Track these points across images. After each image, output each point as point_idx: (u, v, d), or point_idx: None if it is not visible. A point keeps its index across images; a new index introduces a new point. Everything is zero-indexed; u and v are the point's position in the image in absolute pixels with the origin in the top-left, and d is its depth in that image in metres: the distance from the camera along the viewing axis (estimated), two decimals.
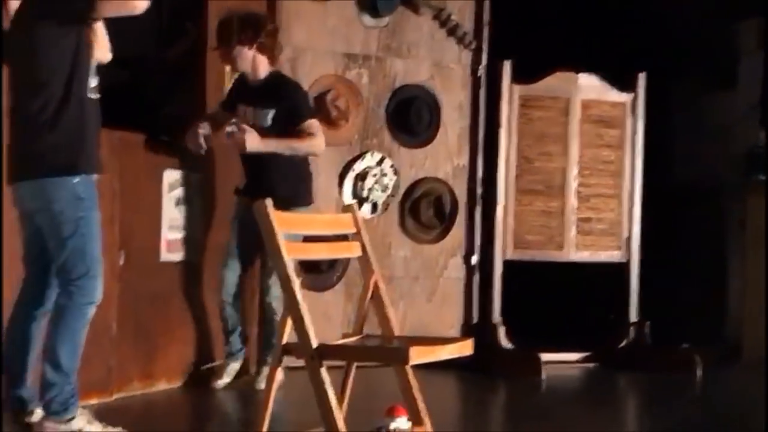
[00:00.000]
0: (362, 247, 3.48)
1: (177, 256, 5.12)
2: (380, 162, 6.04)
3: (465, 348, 3.27)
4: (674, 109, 7.61)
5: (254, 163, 4.94)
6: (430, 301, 6.21)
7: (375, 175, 6.00)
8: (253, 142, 4.82)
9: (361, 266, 3.53)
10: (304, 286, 5.52)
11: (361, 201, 5.99)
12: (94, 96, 3.73)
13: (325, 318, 5.67)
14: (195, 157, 5.04)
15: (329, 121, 5.83)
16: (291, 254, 3.19)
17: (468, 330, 6.14)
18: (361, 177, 5.98)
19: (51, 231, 3.66)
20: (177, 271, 5.13)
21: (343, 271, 5.92)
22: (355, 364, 3.37)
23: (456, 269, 6.25)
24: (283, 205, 4.60)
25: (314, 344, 3.07)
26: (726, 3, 7.20)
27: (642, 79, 6.32)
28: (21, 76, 3.67)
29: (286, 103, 4.95)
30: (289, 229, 3.27)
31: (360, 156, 6.00)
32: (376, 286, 3.46)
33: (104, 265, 4.52)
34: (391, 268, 6.09)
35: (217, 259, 5.22)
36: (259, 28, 4.94)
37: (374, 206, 6.04)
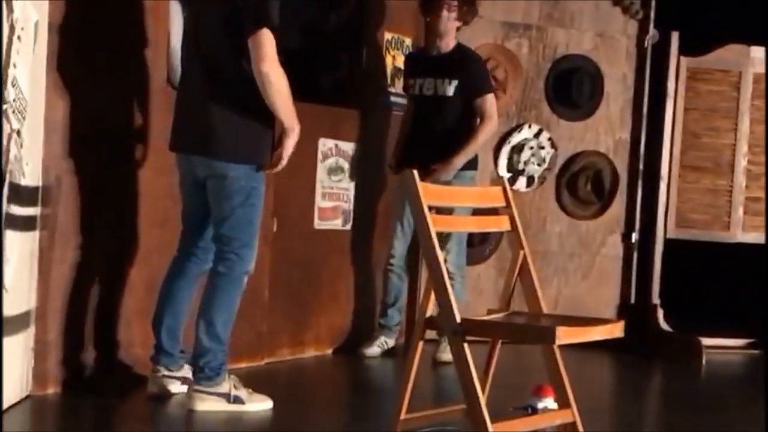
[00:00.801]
0: (511, 221, 3.38)
1: (330, 224, 5.14)
2: (538, 134, 5.89)
3: (616, 330, 3.13)
4: None
5: (422, 131, 4.90)
6: (586, 278, 6.04)
7: (532, 148, 5.86)
8: (449, 172, 4.89)
9: (509, 241, 3.43)
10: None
11: (517, 174, 5.87)
12: None
13: (475, 292, 5.59)
14: (351, 126, 5.03)
15: None
16: (437, 226, 3.12)
17: (625, 310, 5.95)
18: (518, 149, 5.86)
19: (220, 198, 3.70)
20: (330, 239, 5.15)
21: (495, 245, 5.82)
22: (500, 341, 3.28)
23: (614, 247, 6.05)
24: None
25: (458, 319, 2.99)
26: None
27: None
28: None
29: (469, 75, 4.98)
30: (437, 201, 3.20)
31: (517, 128, 5.88)
32: (524, 262, 3.35)
33: (258, 233, 4.63)
34: (545, 243, 5.96)
35: (370, 229, 5.21)
36: (476, 10, 5.09)
37: (530, 180, 5.91)
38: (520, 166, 5.86)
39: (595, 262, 6.05)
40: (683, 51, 5.92)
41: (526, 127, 5.89)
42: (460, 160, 4.94)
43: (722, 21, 6.02)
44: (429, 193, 3.13)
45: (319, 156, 5.08)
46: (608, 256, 6.06)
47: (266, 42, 3.56)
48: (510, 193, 3.41)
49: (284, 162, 3.75)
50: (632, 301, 6.00)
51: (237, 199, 3.68)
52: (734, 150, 5.95)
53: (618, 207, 6.04)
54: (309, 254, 5.05)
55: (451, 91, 4.96)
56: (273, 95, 3.59)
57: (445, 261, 4.83)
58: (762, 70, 5.95)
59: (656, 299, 5.90)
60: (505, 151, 5.86)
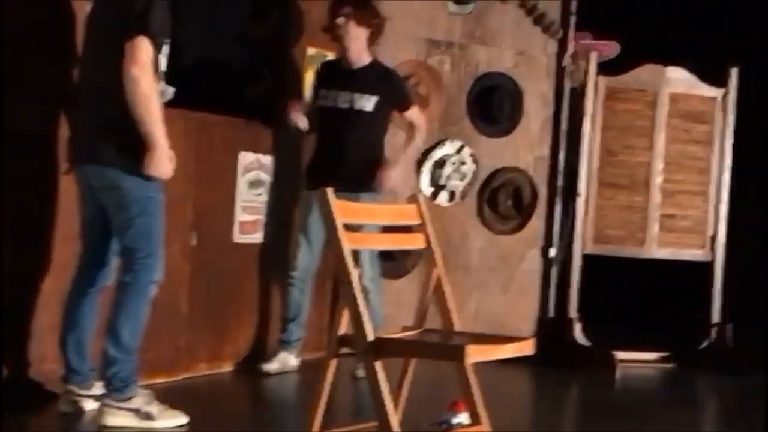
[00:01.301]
0: (426, 239, 3.42)
1: (251, 238, 5.13)
2: (459, 150, 5.96)
3: (526, 347, 3.18)
4: None
5: (334, 145, 4.92)
6: (505, 292, 6.12)
7: (454, 163, 5.93)
8: (396, 178, 5.00)
9: (424, 258, 3.47)
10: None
11: (439, 189, 5.93)
12: None
13: (396, 306, 5.62)
14: (271, 139, 5.03)
15: None
16: (352, 244, 3.15)
17: (543, 324, 6.04)
18: (440, 165, 5.92)
19: (118, 210, 3.69)
20: (250, 253, 5.14)
21: (417, 259, 5.86)
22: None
23: (533, 261, 6.15)
24: (358, 188, 4.80)
25: (370, 338, 3.02)
26: None
27: (734, 74, 6.11)
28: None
29: (394, 90, 5.00)
30: (351, 219, 3.22)
31: (439, 143, 5.93)
32: (439, 280, 3.39)
33: (176, 246, 4.60)
34: (466, 257, 6.03)
35: (288, 243, 5.21)
36: (376, 12, 4.99)
37: (452, 195, 5.97)
38: (442, 181, 5.92)
39: (514, 276, 6.13)
40: (601, 70, 6.04)
41: (448, 142, 5.95)
42: (401, 167, 5.03)
43: (639, 41, 6.14)
44: (343, 210, 3.15)
45: (240, 169, 5.08)
46: (528, 270, 6.14)
47: (142, 49, 3.55)
48: (425, 211, 3.45)
49: (162, 175, 3.69)
50: (551, 315, 6.09)
51: (134, 209, 3.67)
52: (649, 168, 6.08)
53: (537, 222, 6.14)
54: (229, 268, 5.03)
55: (370, 106, 4.95)
56: (139, 101, 3.55)
57: (360, 276, 4.93)
58: (677, 89, 6.09)
59: (574, 313, 5.99)
60: (428, 166, 5.92)
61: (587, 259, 6.09)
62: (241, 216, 5.09)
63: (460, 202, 6.00)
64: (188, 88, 4.23)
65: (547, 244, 6.13)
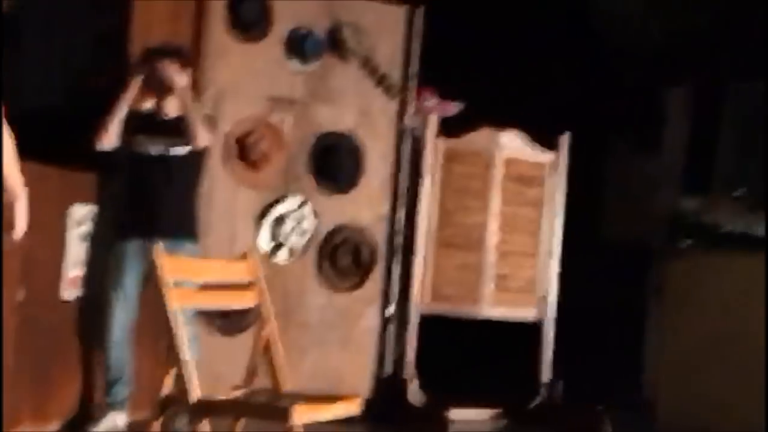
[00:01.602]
0: (258, 296, 3.41)
1: (80, 293, 4.99)
2: (300, 207, 5.97)
3: (352, 407, 3.20)
4: (602, 169, 7.68)
5: (147, 196, 4.86)
6: (344, 350, 6.13)
7: (294, 220, 5.93)
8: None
9: (255, 317, 3.45)
10: (215, 329, 5.57)
11: (279, 245, 5.92)
12: None
13: (231, 364, 5.54)
14: (102, 193, 4.93)
15: (250, 164, 5.80)
16: (180, 302, 3.11)
17: (380, 383, 6.07)
18: (280, 221, 5.91)
19: None
20: (79, 308, 4.99)
21: (254, 318, 5.80)
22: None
23: (372, 319, 6.18)
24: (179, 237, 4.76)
25: (194, 399, 2.98)
26: (654, 70, 7.31)
27: (565, 139, 6.35)
28: None
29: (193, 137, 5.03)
30: (181, 277, 3.19)
31: (280, 200, 5.93)
32: (270, 338, 3.38)
33: (4, 300, 4.43)
34: (305, 315, 6.01)
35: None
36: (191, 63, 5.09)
37: (292, 251, 5.97)
38: (282, 238, 5.91)
39: (353, 334, 6.15)
40: (440, 132, 6.18)
41: (289, 199, 5.96)
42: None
43: (478, 106, 6.33)
44: (175, 267, 3.12)
45: (71, 223, 4.95)
46: (366, 328, 6.18)
47: None
48: (258, 268, 3.44)
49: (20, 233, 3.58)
50: (387, 374, 6.13)
51: None
52: (484, 228, 6.22)
53: (376, 280, 6.19)
54: (56, 324, 4.89)
55: (185, 151, 4.97)
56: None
57: None
58: (511, 153, 6.28)
59: (409, 372, 6.05)
60: (267, 222, 5.90)
61: (426, 318, 6.18)
62: (71, 271, 4.95)
63: (299, 259, 6.00)
64: (19, 137, 4.11)
65: (386, 302, 6.19)
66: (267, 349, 3.35)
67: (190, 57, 5.27)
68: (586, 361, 6.72)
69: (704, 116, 7.08)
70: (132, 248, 4.84)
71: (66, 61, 5.23)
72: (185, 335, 3.02)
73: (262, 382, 3.48)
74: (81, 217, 4.99)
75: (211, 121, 5.32)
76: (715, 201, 7.07)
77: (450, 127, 6.24)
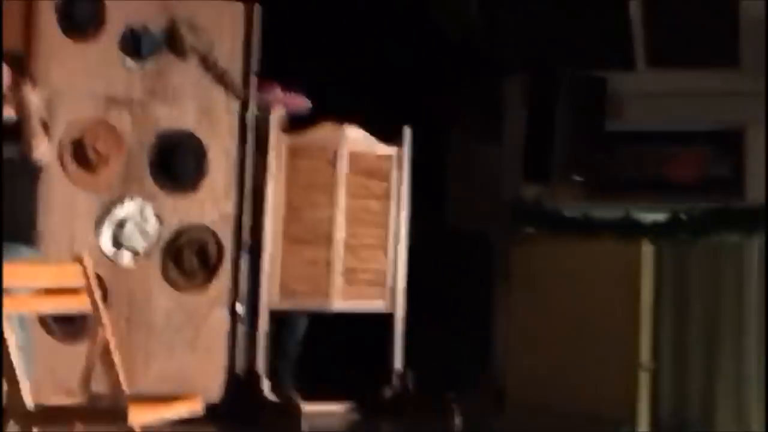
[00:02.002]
0: (91, 300, 3.33)
1: None
2: (141, 208, 5.86)
3: (195, 406, 3.16)
4: (446, 159, 7.81)
5: None
6: (193, 351, 6.05)
7: (136, 222, 5.82)
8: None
9: (90, 321, 3.37)
10: (53, 336, 5.42)
11: (122, 248, 5.80)
12: None
13: (75, 371, 5.41)
14: None
15: (87, 165, 5.67)
16: (7, 309, 3.01)
17: (231, 381, 6.01)
18: (121, 224, 5.79)
19: None
20: None
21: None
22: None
23: (221, 319, 6.12)
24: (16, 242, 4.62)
25: (25, 407, 2.89)
26: (493, 60, 7.47)
27: (407, 132, 6.42)
28: None
29: None
30: (10, 282, 3.08)
31: (120, 201, 5.81)
32: (105, 342, 3.31)
33: None
34: (151, 317, 5.91)
35: None
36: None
37: (135, 254, 5.85)
38: (124, 241, 5.80)
39: (201, 334, 6.07)
40: (284, 128, 6.17)
41: (129, 200, 5.84)
42: None
43: (320, 101, 6.34)
44: (3, 273, 3.01)
45: None
46: (215, 328, 6.11)
47: None
48: (91, 271, 3.36)
49: None
50: (239, 372, 6.08)
51: None
52: (331, 223, 6.24)
53: (224, 279, 6.13)
54: None
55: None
56: None
57: None
58: (355, 148, 6.31)
59: (261, 369, 6.02)
60: (108, 225, 5.77)
61: (276, 314, 6.16)
62: None
63: (143, 261, 5.89)
64: None
65: (234, 300, 6.14)
66: (104, 353, 3.27)
67: (23, 60, 5.11)
68: (436, 350, 6.84)
69: (541, 105, 7.28)
70: None
71: None
72: (14, 342, 2.93)
73: (102, 388, 3.41)
74: None
75: (46, 127, 5.15)
76: (555, 188, 7.29)
77: (293, 123, 6.24)
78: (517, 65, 7.42)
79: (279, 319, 6.25)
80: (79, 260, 3.34)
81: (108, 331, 3.32)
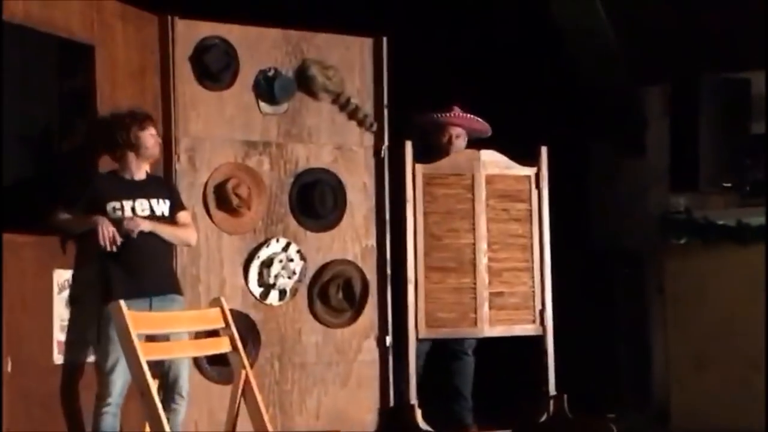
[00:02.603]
0: (231, 341, 3.39)
1: (65, 358, 4.97)
2: (286, 248, 5.96)
3: None
4: (587, 176, 7.67)
5: (134, 256, 4.88)
6: (345, 386, 6.10)
7: (281, 261, 5.92)
8: (146, 224, 4.95)
9: (231, 361, 3.43)
10: (210, 378, 5.56)
11: (269, 288, 5.91)
12: None
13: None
14: (83, 256, 4.93)
15: (231, 210, 5.81)
16: (152, 354, 3.10)
17: (385, 414, 6.03)
18: (267, 264, 5.90)
19: None
20: (64, 373, 4.97)
21: (252, 362, 5.77)
22: None
23: (370, 352, 6.15)
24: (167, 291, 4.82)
25: None
26: (631, 69, 7.31)
27: (544, 152, 6.33)
28: None
29: (173, 195, 5.17)
30: (149, 329, 3.18)
31: (265, 243, 5.93)
32: (247, 382, 3.36)
33: None
34: (303, 355, 5.99)
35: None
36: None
37: (282, 293, 5.95)
38: (271, 281, 5.90)
39: (353, 368, 6.12)
40: (418, 158, 6.19)
41: (273, 241, 5.95)
42: (158, 227, 5.05)
43: None
44: (140, 322, 3.11)
45: (56, 288, 4.95)
46: (365, 361, 6.14)
47: None
48: (228, 314, 3.43)
49: None
50: (392, 403, 6.09)
51: None
52: (474, 248, 6.19)
53: (371, 312, 6.16)
54: (50, 390, 4.87)
55: (167, 211, 5.09)
56: None
57: (175, 386, 4.84)
58: (492, 171, 6.25)
59: (413, 400, 6.01)
60: (255, 266, 5.89)
61: (433, 350, 6.16)
62: (59, 336, 4.95)
63: (291, 299, 5.98)
64: None
65: (382, 333, 6.16)
66: (246, 392, 3.33)
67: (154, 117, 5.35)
68: (591, 372, 6.68)
69: (684, 112, 7.07)
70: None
71: (33, 124, 5.25)
72: (154, 389, 3.01)
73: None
74: (64, 282, 4.99)
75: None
76: (704, 196, 7.05)
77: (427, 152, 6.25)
78: (656, 73, 7.23)
79: (447, 358, 6.26)
80: (217, 304, 3.42)
81: (250, 372, 3.37)
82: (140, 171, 5.11)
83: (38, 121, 5.30)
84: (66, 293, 4.99)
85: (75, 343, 4.97)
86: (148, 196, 5.05)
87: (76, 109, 5.35)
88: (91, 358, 4.98)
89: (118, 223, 4.93)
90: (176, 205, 5.18)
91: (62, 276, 4.98)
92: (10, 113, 5.05)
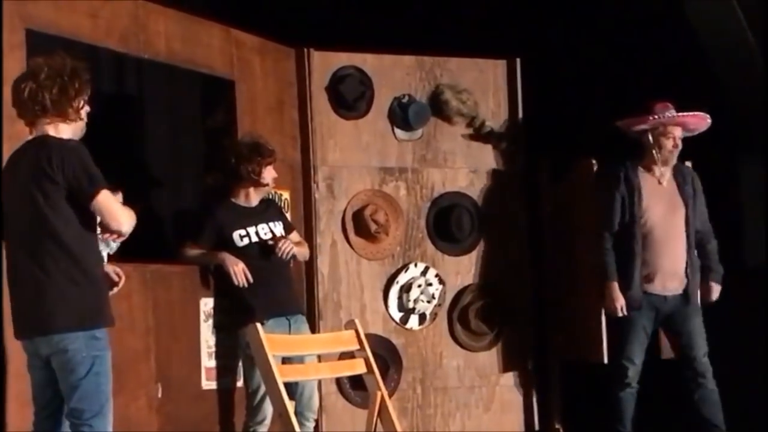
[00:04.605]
0: (366, 363, 3.43)
1: (218, 384, 5.12)
2: (424, 272, 5.99)
3: None
4: (740, 191, 7.39)
5: (267, 278, 5.00)
6: (488, 410, 6.07)
7: (420, 286, 5.95)
8: (294, 248, 5.16)
9: (367, 383, 3.47)
10: (353, 402, 5.61)
11: (409, 313, 5.94)
12: None
13: None
14: (222, 284, 5.07)
15: (369, 236, 5.88)
16: (289, 376, 3.17)
17: None
18: (406, 289, 5.94)
19: (65, 373, 3.69)
20: (218, 399, 5.12)
21: (395, 386, 5.83)
22: None
23: (513, 375, 6.11)
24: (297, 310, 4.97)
25: None
26: None
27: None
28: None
29: (283, 216, 5.34)
30: (286, 351, 3.25)
31: (404, 267, 5.97)
32: (383, 402, 3.39)
33: (142, 400, 4.61)
34: (444, 379, 6.00)
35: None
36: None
37: (422, 317, 5.98)
38: (411, 305, 5.93)
39: (495, 392, 6.08)
40: (555, 175, 6.12)
41: (412, 265, 5.99)
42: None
43: (585, 143, 6.23)
44: (277, 344, 3.18)
45: (202, 316, 5.11)
46: (507, 385, 6.10)
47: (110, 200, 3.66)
48: (362, 335, 3.47)
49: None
50: (536, 428, 6.02)
51: (81, 370, 3.68)
52: None
53: (512, 335, 6.11)
54: (199, 416, 5.01)
55: (283, 231, 5.22)
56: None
57: (308, 405, 4.91)
58: None
59: (558, 424, 5.93)
60: (394, 291, 5.94)
61: (567, 365, 6.06)
62: (207, 362, 5.09)
63: (431, 323, 6.00)
64: (141, 239, 4.29)
65: (525, 356, 6.11)
66: (381, 413, 3.36)
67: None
68: (740, 398, 6.41)
69: None
70: (268, 330, 4.95)
71: (180, 159, 5.44)
72: (291, 410, 3.07)
73: None
74: (210, 310, 5.14)
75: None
76: None
77: (562, 168, 6.17)
78: None
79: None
80: (352, 326, 3.46)
81: (385, 393, 3.40)
82: (256, 199, 5.22)
83: (185, 155, 5.49)
84: (211, 321, 5.14)
85: (224, 369, 5.12)
86: (266, 221, 5.18)
87: (218, 143, 5.51)
88: (240, 383, 5.13)
89: (245, 251, 5.05)
90: (288, 226, 5.31)
91: (208, 304, 5.14)
92: (159, 148, 5.27)
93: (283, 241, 5.12)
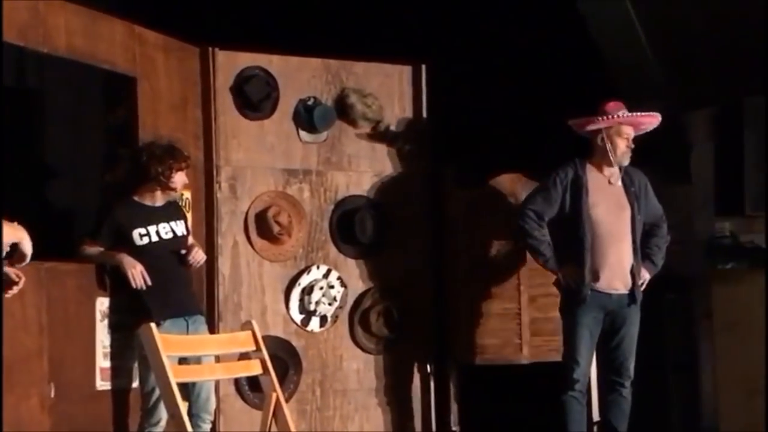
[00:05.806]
0: (263, 365, 3.42)
1: (112, 384, 5.04)
2: (326, 274, 6.00)
3: None
4: None
5: (165, 278, 4.95)
6: (388, 413, 6.11)
7: (322, 288, 5.95)
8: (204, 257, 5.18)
9: (262, 384, 3.46)
10: (251, 404, 5.59)
11: (310, 315, 5.94)
12: None
13: None
14: (118, 283, 4.99)
15: (272, 238, 5.86)
16: (182, 377, 3.14)
17: None
18: (308, 291, 5.94)
19: None
20: (113, 399, 5.04)
21: (294, 388, 5.83)
22: None
23: (412, 378, 6.15)
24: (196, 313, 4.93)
25: None
26: (675, 93, 7.25)
27: None
28: None
29: (185, 217, 5.26)
30: (180, 352, 3.22)
31: (306, 270, 5.96)
32: (278, 404, 3.39)
33: (34, 400, 4.52)
34: (344, 381, 6.02)
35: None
36: None
37: (323, 319, 5.98)
38: (312, 307, 5.93)
39: (395, 395, 6.12)
40: (459, 184, 6.18)
41: (314, 268, 5.98)
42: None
43: (491, 153, 6.33)
44: (171, 344, 3.15)
45: (98, 315, 5.03)
46: (407, 387, 6.14)
47: None
48: (260, 337, 3.46)
49: None
50: (434, 430, 6.08)
51: None
52: (518, 275, 6.12)
53: (413, 338, 6.16)
54: (93, 417, 4.93)
55: (184, 230, 5.15)
56: None
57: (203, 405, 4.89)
58: None
59: (455, 426, 5.99)
60: (296, 293, 5.93)
61: (467, 370, 6.12)
62: (102, 362, 5.01)
63: (332, 326, 6.01)
64: (36, 236, 4.20)
65: (425, 359, 6.15)
66: (276, 414, 3.35)
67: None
68: (638, 397, 6.58)
69: (729, 136, 6.99)
70: (165, 331, 4.90)
71: (78, 155, 5.36)
72: (184, 411, 3.05)
73: None
74: (106, 309, 5.06)
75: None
76: (749, 221, 6.95)
77: (467, 178, 6.24)
78: (700, 98, 7.16)
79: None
80: (248, 327, 3.45)
81: (281, 394, 3.39)
82: (161, 201, 5.13)
83: (84, 152, 5.41)
84: (107, 321, 5.06)
85: (119, 370, 5.04)
86: (168, 220, 5.10)
87: (119, 140, 5.44)
88: (135, 384, 5.06)
89: (144, 250, 4.97)
90: (188, 227, 5.21)
91: (104, 303, 5.06)
92: (56, 144, 5.18)
93: (195, 250, 5.07)
